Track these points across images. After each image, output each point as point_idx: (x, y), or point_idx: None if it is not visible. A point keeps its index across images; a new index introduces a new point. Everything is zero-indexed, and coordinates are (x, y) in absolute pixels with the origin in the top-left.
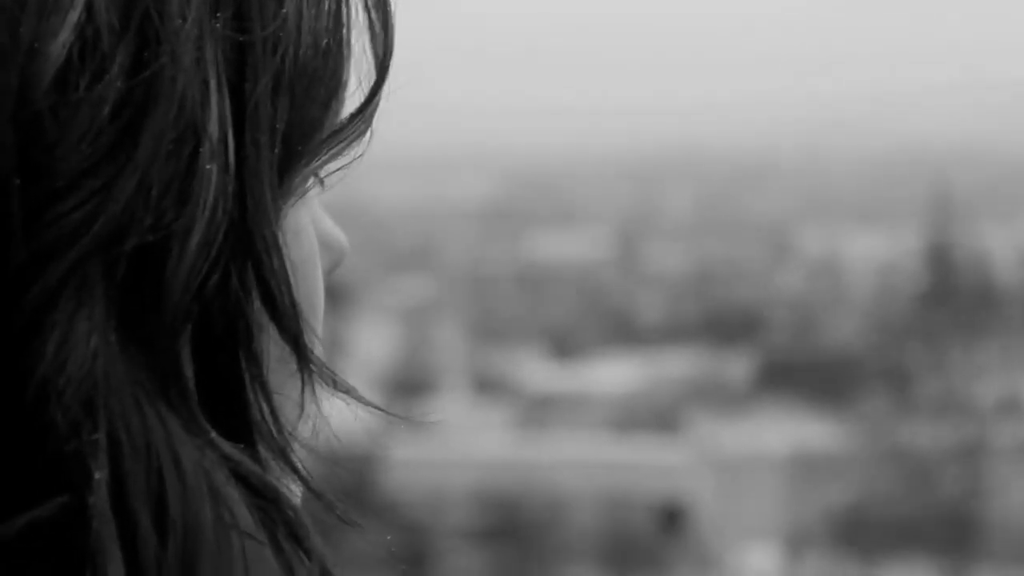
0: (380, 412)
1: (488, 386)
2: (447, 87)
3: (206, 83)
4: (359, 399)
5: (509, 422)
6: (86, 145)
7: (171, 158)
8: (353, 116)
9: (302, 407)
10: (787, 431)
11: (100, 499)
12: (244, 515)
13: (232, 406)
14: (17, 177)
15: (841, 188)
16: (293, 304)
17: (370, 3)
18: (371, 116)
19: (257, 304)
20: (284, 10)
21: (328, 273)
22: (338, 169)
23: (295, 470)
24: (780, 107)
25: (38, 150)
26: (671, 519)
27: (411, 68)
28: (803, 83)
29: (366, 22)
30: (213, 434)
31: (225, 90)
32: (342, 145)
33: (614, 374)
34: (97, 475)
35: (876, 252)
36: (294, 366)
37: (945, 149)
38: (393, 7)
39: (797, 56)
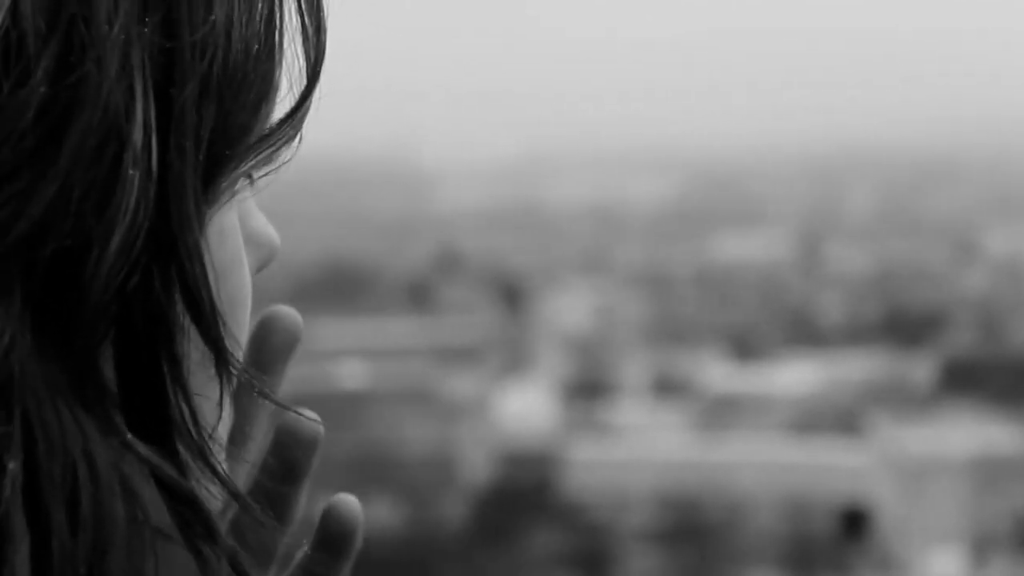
0: (304, 417)
1: (668, 387)
2: (630, 89)
3: (131, 89)
4: (278, 403)
5: (689, 423)
6: (8, 149)
7: (93, 164)
8: (282, 121)
9: (220, 408)
10: (971, 434)
11: (12, 489)
12: (157, 514)
13: (153, 407)
14: None
15: None
16: (213, 308)
17: (304, 7)
18: (301, 121)
19: (180, 307)
20: (213, 16)
21: (257, 270)
22: (267, 173)
23: (214, 471)
24: (964, 106)
25: None
26: (853, 522)
27: (594, 71)
28: (988, 82)
29: (299, 26)
30: (129, 435)
31: (151, 96)
32: (271, 150)
33: (795, 375)
34: (11, 465)
35: None
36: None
37: None
38: (327, 11)
39: (981, 57)
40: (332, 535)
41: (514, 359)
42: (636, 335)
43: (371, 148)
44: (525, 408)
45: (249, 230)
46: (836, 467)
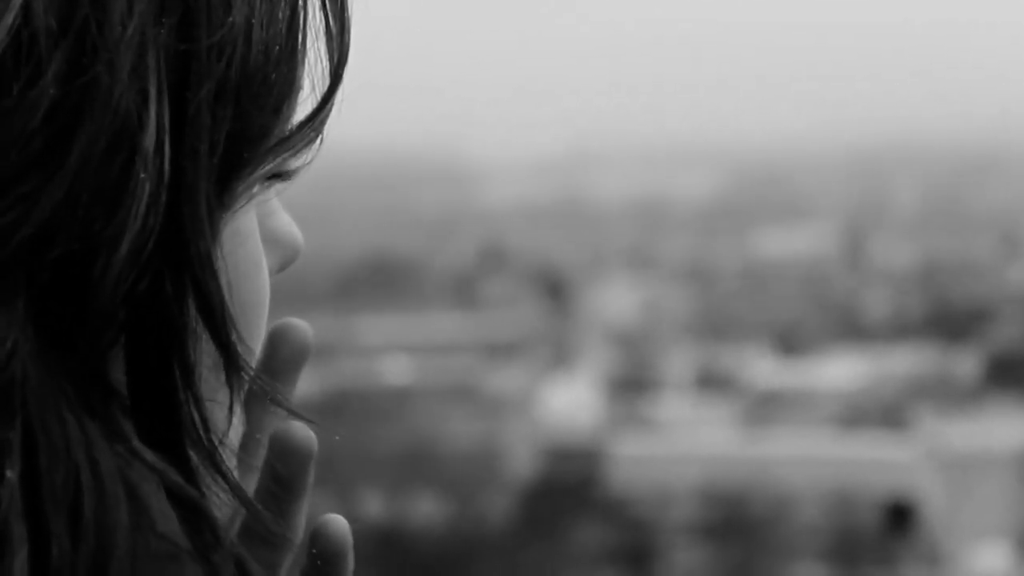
0: (314, 425)
1: (713, 382)
2: (675, 84)
3: (144, 91)
4: (291, 411)
5: (734, 419)
6: (16, 151)
7: (103, 167)
8: (302, 124)
9: (231, 414)
10: (1017, 428)
11: (11, 497)
12: (164, 521)
13: (163, 413)
14: None
15: None
16: (225, 313)
17: (328, 8)
18: (322, 123)
19: (193, 311)
20: (232, 18)
21: (278, 271)
22: (287, 177)
23: (224, 477)
24: (1011, 100)
25: None
26: (898, 516)
27: (638, 65)
28: None
29: (323, 27)
30: (135, 442)
31: (165, 98)
32: (290, 153)
33: (840, 370)
34: (9, 473)
35: None
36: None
37: None
38: (351, 12)
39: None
40: (322, 556)
41: (558, 354)
42: (681, 330)
43: (416, 144)
44: (569, 403)
45: (271, 230)
46: (882, 462)
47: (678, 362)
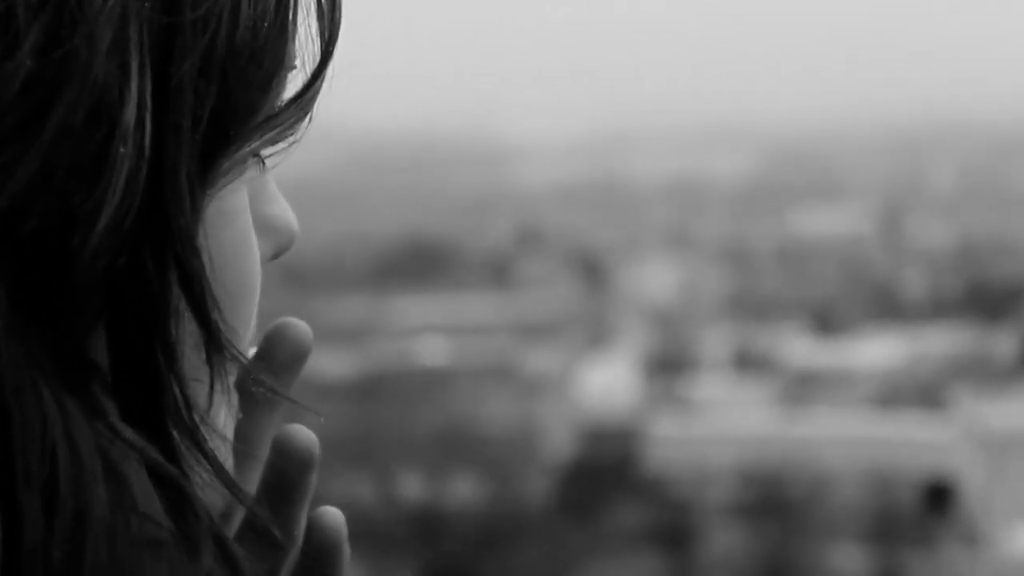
0: (300, 406)
1: (750, 362)
2: (711, 63)
3: (125, 65)
4: (279, 393)
5: (771, 398)
6: None
7: (81, 140)
8: (290, 101)
9: (211, 393)
10: None
11: None
12: (145, 499)
13: (146, 391)
14: None
15: None
16: (206, 292)
17: None
18: (310, 101)
19: (175, 289)
20: None
21: (273, 257)
22: (276, 153)
23: (205, 455)
24: None
25: None
26: (937, 496)
27: (674, 46)
28: None
29: (314, 4)
30: (114, 418)
31: (148, 72)
32: (277, 130)
33: (877, 350)
34: None
35: None
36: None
37: None
38: None
39: None
40: (316, 549)
41: (595, 334)
42: (718, 310)
43: (451, 125)
44: (606, 383)
45: (265, 216)
46: (919, 441)
47: (715, 342)
